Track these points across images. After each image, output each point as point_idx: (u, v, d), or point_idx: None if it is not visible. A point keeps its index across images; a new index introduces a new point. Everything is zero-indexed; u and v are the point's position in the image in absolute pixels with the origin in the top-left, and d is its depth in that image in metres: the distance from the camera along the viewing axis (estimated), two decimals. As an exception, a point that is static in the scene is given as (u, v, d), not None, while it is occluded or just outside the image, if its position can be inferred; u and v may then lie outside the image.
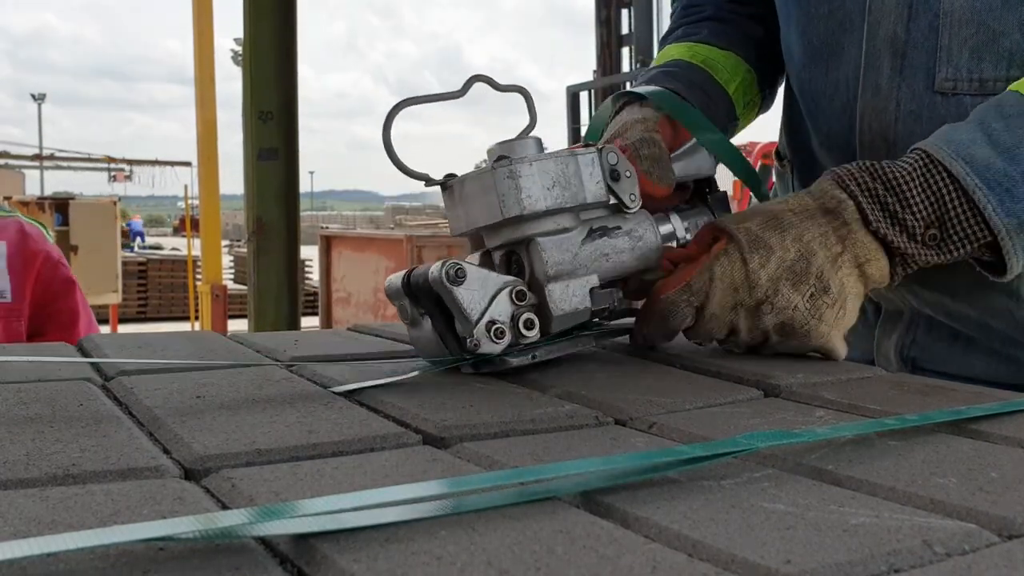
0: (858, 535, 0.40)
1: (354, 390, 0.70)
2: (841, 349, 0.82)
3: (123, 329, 9.78)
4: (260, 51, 4.02)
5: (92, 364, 0.82)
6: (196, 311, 8.41)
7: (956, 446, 0.56)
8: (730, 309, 0.80)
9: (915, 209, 0.77)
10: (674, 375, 0.79)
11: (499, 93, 0.82)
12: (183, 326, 10.62)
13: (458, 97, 0.80)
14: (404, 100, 0.79)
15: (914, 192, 0.78)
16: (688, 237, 0.89)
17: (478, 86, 0.80)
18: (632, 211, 0.82)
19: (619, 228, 0.82)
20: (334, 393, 0.69)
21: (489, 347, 0.75)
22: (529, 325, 0.76)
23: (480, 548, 0.38)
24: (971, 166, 0.77)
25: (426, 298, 0.76)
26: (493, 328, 0.74)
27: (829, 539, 0.40)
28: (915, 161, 0.79)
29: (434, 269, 0.74)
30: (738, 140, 1.50)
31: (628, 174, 0.82)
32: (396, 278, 0.78)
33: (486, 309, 0.75)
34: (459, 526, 0.41)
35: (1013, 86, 0.82)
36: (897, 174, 0.79)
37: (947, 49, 0.89)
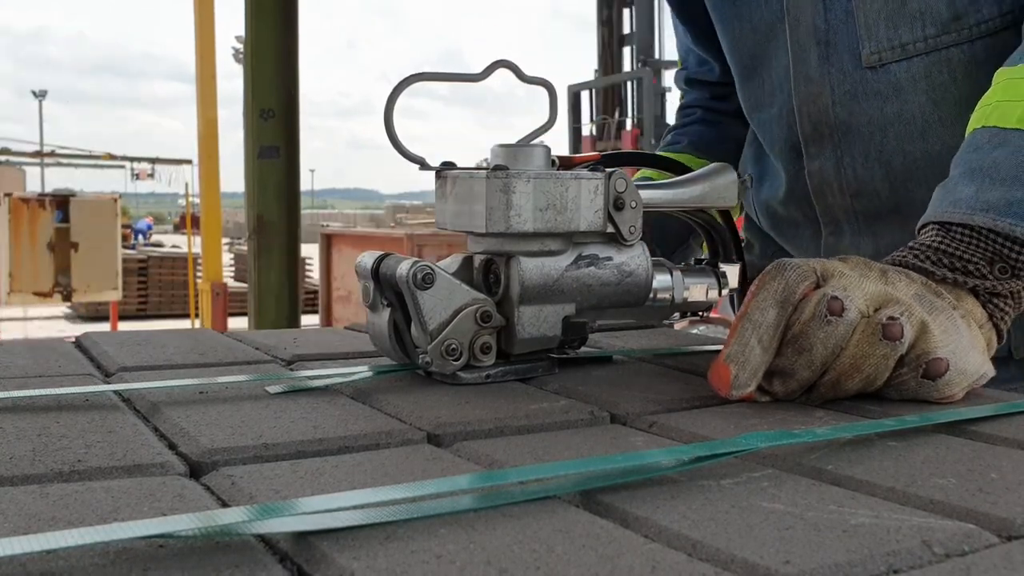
0: (857, 535, 0.40)
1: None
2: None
3: (123, 326, 9.79)
4: (261, 49, 4.02)
5: (93, 361, 0.82)
6: (196, 309, 8.42)
7: (956, 447, 0.56)
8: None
9: (966, 258, 0.73)
10: (671, 374, 0.79)
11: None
12: (183, 324, 10.63)
13: (477, 80, 0.76)
14: (415, 74, 0.75)
15: (955, 250, 0.73)
16: (686, 297, 0.84)
17: (499, 73, 0.76)
18: (629, 243, 0.78)
19: (610, 259, 0.77)
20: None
21: (442, 366, 0.72)
22: (486, 349, 0.73)
23: (480, 547, 0.38)
24: (993, 212, 0.73)
25: (391, 289, 0.74)
26: (447, 346, 0.72)
27: (828, 539, 0.40)
28: (936, 232, 0.75)
29: (403, 268, 0.71)
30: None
31: (633, 204, 0.77)
32: (369, 258, 0.76)
33: (447, 322, 0.72)
34: (459, 525, 0.41)
35: (974, 123, 0.81)
36: (931, 244, 0.75)
37: (865, 26, 0.95)
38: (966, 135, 0.83)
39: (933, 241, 0.74)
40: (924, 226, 0.78)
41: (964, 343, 0.68)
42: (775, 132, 1.06)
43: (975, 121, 0.82)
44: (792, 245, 1.14)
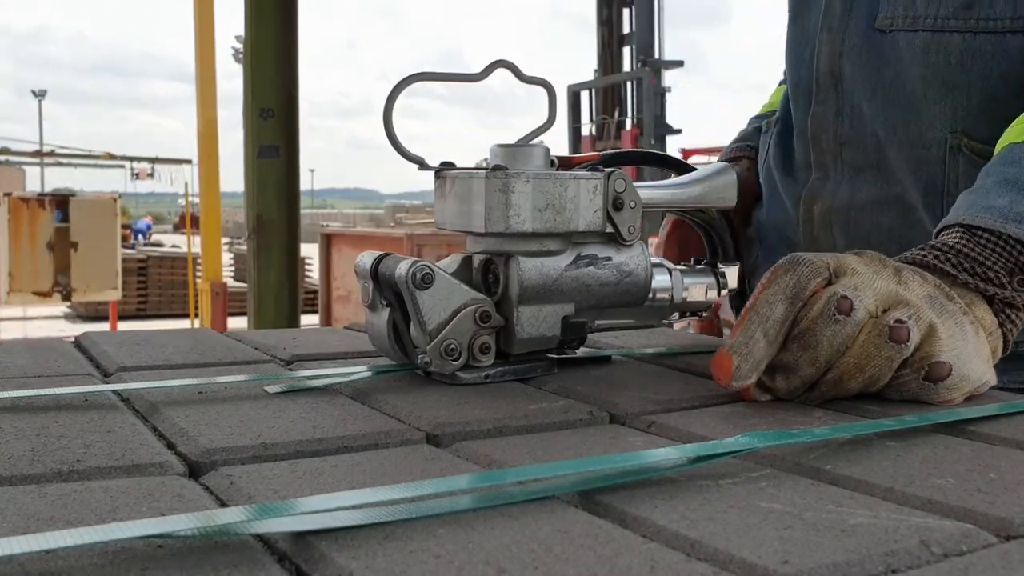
0: (856, 535, 0.40)
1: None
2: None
3: (123, 326, 9.78)
4: (261, 49, 4.02)
5: (92, 361, 0.82)
6: (196, 308, 8.42)
7: (954, 447, 0.56)
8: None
9: (988, 264, 0.73)
10: (670, 374, 0.79)
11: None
12: (183, 323, 10.62)
13: (476, 80, 0.76)
14: (414, 74, 0.75)
15: (978, 255, 0.74)
16: (685, 297, 0.85)
17: (498, 72, 0.76)
18: (628, 243, 0.78)
19: (609, 259, 0.77)
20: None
21: (441, 366, 0.72)
22: (484, 349, 0.73)
23: (478, 547, 0.39)
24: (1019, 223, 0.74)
25: (390, 289, 0.74)
26: (446, 346, 0.72)
27: (827, 539, 0.40)
28: (961, 235, 0.76)
29: (402, 268, 0.71)
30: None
31: (632, 204, 0.77)
32: (368, 258, 0.76)
33: (446, 322, 0.72)
34: (457, 525, 0.41)
35: (1010, 138, 0.83)
36: (955, 247, 0.75)
37: None
38: (997, 149, 0.83)
39: (956, 243, 0.75)
40: (946, 227, 0.78)
41: (969, 349, 0.68)
42: (800, 74, 1.11)
43: (1012, 136, 0.82)
44: (785, 185, 1.17)
